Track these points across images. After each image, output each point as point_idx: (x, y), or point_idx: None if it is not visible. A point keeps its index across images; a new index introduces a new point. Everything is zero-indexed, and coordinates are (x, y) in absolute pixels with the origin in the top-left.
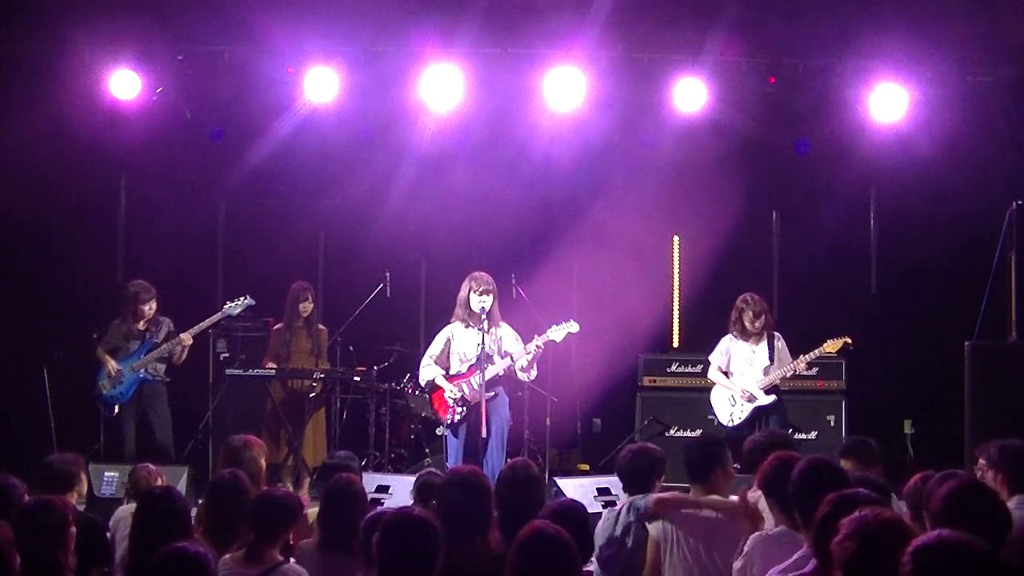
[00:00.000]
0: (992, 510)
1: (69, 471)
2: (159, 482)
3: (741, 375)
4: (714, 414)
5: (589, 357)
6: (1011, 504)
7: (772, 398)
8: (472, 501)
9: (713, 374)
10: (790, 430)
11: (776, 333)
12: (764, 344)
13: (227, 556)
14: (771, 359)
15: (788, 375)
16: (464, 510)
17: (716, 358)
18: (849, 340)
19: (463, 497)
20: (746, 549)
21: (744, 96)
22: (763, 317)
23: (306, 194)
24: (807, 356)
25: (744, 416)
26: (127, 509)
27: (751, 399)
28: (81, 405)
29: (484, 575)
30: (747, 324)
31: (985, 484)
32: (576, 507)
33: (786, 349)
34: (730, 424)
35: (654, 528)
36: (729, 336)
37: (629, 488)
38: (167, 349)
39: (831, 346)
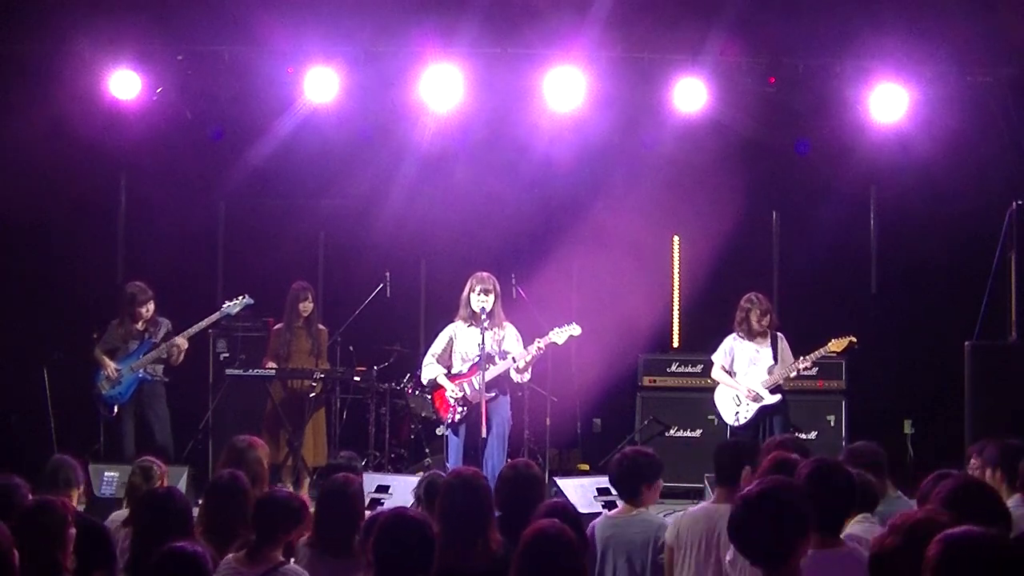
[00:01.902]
0: (992, 508)
1: (68, 474)
2: (163, 479)
3: (745, 375)
4: (716, 414)
5: (589, 357)
6: (1009, 503)
7: (777, 397)
8: (473, 502)
9: (717, 373)
10: (792, 429)
11: (779, 333)
12: (768, 344)
13: (229, 556)
14: (775, 359)
15: (792, 374)
16: (465, 511)
17: (719, 358)
18: (854, 339)
19: (464, 498)
20: None
21: (744, 96)
22: (768, 316)
23: (306, 194)
24: (812, 355)
25: (749, 416)
26: (121, 515)
27: (757, 398)
28: (81, 405)
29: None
30: (753, 323)
31: (984, 481)
32: (568, 508)
33: (789, 349)
34: (735, 424)
35: (669, 534)
36: (733, 336)
37: (622, 492)
38: (165, 350)
39: (836, 345)
